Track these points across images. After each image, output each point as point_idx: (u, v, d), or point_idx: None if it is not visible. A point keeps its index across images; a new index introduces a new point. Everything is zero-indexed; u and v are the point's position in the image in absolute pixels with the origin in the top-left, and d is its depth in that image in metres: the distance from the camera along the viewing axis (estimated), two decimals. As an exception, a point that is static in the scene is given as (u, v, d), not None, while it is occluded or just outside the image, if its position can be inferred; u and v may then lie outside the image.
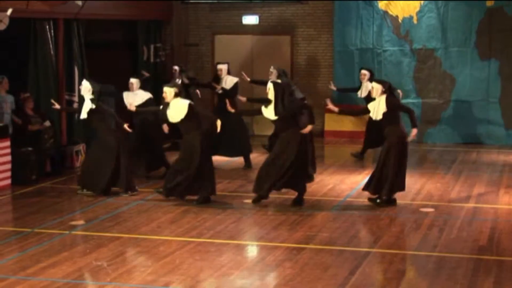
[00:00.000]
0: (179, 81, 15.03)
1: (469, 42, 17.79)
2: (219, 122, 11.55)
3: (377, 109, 11.36)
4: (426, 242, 9.62)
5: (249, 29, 19.43)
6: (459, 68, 17.91)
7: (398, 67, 18.27)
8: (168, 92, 11.57)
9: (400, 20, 18.18)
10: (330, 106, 11.77)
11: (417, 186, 12.95)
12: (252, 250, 9.51)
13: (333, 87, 16.56)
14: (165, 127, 12.43)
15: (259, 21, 19.33)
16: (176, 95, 11.57)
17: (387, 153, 11.36)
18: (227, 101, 12.39)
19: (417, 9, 18.07)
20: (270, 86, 11.59)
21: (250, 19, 19.35)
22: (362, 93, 15.23)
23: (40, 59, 14.55)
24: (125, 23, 18.19)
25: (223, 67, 14.88)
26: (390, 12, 18.25)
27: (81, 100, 12.73)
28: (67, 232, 10.14)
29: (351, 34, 18.59)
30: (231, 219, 10.92)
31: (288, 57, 19.25)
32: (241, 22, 19.41)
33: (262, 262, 8.78)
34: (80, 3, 14.44)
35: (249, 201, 11.79)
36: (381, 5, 18.31)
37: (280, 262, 8.77)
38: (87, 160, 12.68)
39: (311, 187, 12.81)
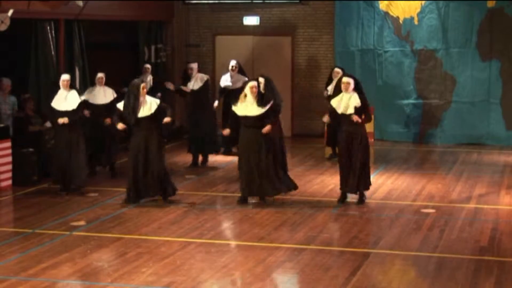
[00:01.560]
0: (150, 78, 15.21)
1: (470, 43, 17.77)
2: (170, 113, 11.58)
3: (348, 103, 11.35)
4: (427, 243, 9.61)
5: (250, 30, 19.43)
6: (460, 69, 17.90)
7: (399, 68, 18.26)
8: (144, 87, 11.57)
9: (401, 21, 18.17)
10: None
11: (418, 187, 12.95)
12: (253, 251, 9.50)
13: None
14: (121, 125, 12.32)
15: (260, 22, 19.33)
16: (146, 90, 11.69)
17: (356, 151, 11.39)
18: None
19: (418, 10, 18.06)
20: (261, 80, 11.69)
21: (251, 20, 19.35)
22: (331, 91, 14.99)
23: (41, 60, 14.54)
24: (126, 24, 18.17)
25: (194, 66, 15.07)
26: (391, 13, 18.24)
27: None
28: (68, 232, 10.14)
29: (352, 35, 18.58)
30: (232, 220, 10.93)
31: (289, 58, 19.25)
32: (242, 22, 19.41)
33: (263, 263, 8.78)
34: (81, 3, 14.43)
35: (251, 201, 11.79)
36: (382, 6, 18.30)
37: (281, 263, 8.77)
38: (52, 156, 12.81)
39: (312, 187, 12.83)
